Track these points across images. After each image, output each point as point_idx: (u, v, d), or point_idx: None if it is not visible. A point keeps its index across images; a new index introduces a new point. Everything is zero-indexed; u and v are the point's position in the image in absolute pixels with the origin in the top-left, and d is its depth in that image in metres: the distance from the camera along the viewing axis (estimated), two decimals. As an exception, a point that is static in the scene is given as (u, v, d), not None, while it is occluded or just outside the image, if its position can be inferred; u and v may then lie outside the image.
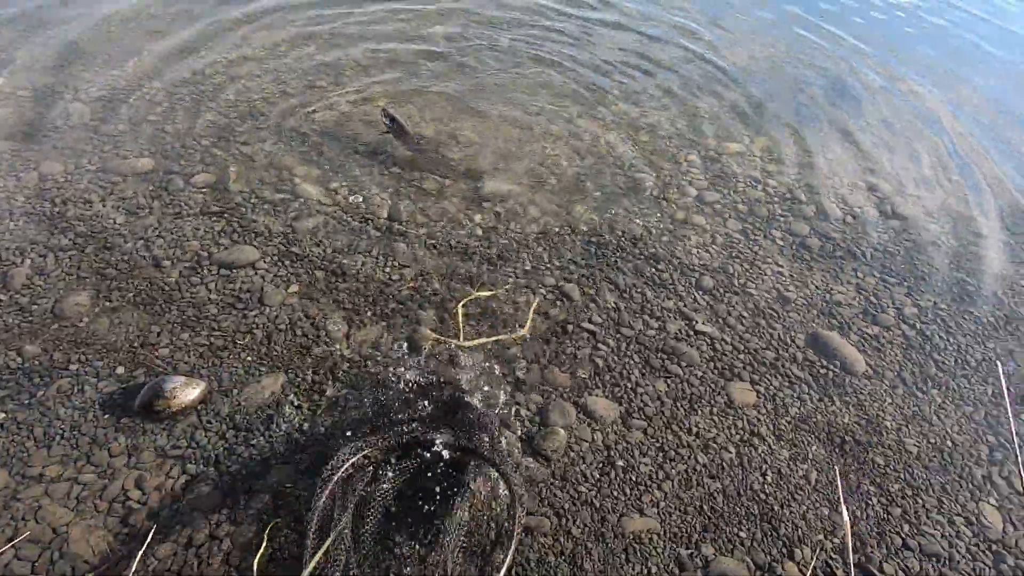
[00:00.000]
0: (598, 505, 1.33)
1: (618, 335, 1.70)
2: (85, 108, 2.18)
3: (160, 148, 2.06)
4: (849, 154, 2.67)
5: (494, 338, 1.60)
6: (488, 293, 1.71)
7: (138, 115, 2.19)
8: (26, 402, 1.32)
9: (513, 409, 1.48)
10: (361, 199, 2.01)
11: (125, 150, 2.02)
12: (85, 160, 1.96)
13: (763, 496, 1.40)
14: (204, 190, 1.93)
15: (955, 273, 2.13)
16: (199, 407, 1.36)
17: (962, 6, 4.55)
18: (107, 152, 2.00)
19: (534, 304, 1.70)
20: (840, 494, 1.39)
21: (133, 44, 2.58)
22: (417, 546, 1.17)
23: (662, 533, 1.30)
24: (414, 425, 1.29)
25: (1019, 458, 1.29)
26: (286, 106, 2.37)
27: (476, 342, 1.59)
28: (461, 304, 1.67)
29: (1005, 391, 1.64)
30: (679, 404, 1.56)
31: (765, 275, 1.98)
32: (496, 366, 1.57)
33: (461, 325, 1.62)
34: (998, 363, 1.77)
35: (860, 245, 2.18)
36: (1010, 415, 1.32)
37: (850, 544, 1.29)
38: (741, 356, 1.70)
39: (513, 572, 1.18)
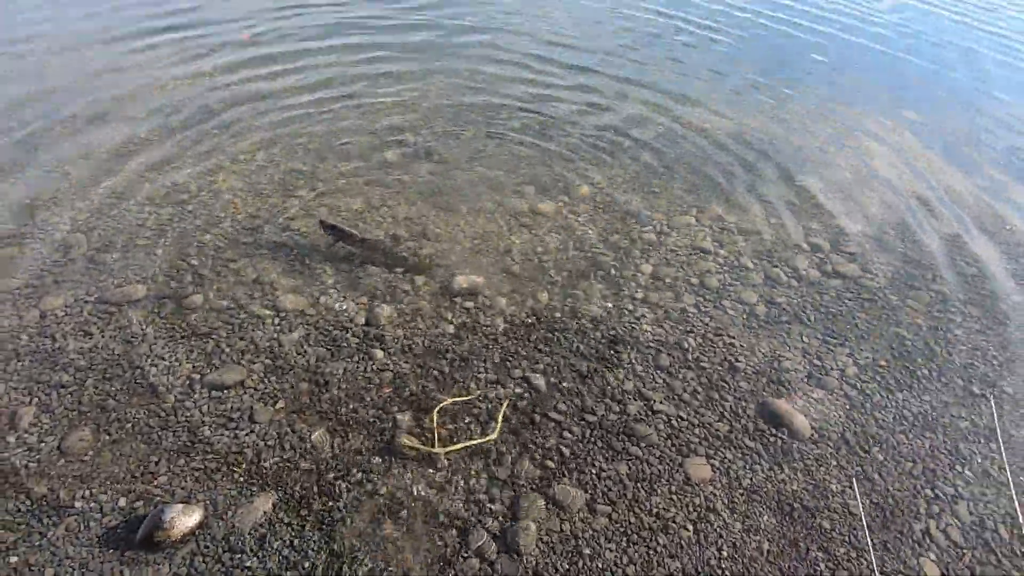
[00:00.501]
0: (569, 595, 1.45)
1: (582, 422, 1.85)
2: (82, 237, 2.36)
3: (151, 273, 2.23)
4: (792, 216, 2.89)
5: (467, 443, 1.74)
6: (464, 398, 1.86)
7: (129, 241, 2.37)
8: (37, 544, 1.44)
9: (488, 507, 1.61)
10: (339, 307, 2.17)
11: (119, 278, 2.19)
12: (83, 291, 2.12)
13: (720, 571, 1.52)
14: (194, 311, 2.09)
15: (892, 329, 2.31)
16: (197, 532, 1.48)
17: (910, 48, 4.92)
18: (103, 282, 2.17)
19: (503, 408, 1.84)
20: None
21: (117, 165, 2.78)
22: None
23: (628, 618, 1.42)
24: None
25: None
26: (266, 216, 2.56)
27: (450, 449, 1.72)
28: (436, 411, 1.81)
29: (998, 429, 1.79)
30: (640, 486, 1.69)
31: (717, 347, 2.15)
32: (471, 465, 1.70)
33: (436, 430, 1.76)
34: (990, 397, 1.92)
35: (804, 309, 2.37)
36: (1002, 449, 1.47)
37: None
38: (696, 431, 1.85)
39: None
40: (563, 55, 4.36)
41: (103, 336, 1.97)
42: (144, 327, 2.01)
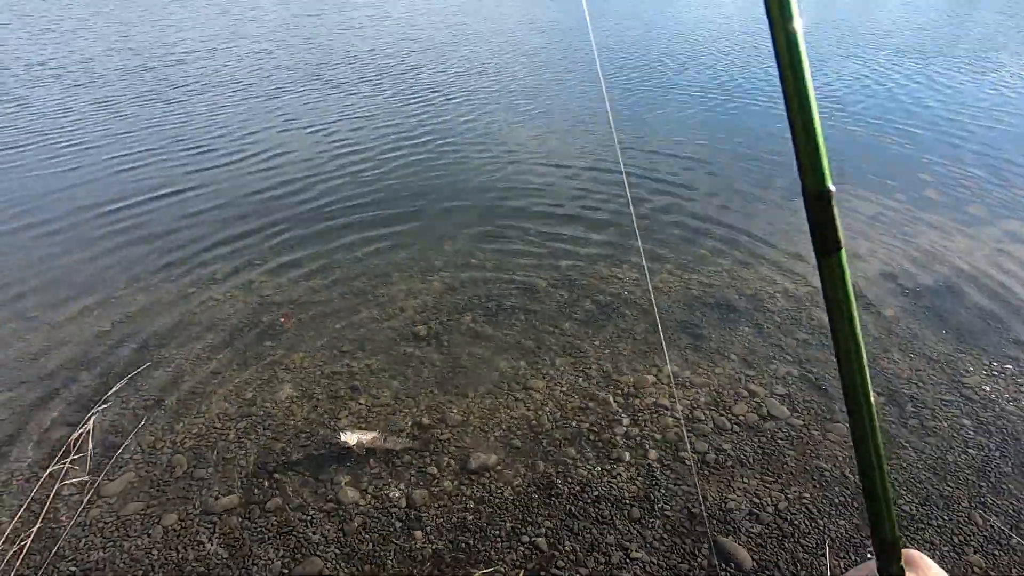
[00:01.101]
0: None
1: (575, 573, 2.44)
2: (183, 458, 3.07)
3: (239, 483, 2.91)
4: (734, 365, 3.62)
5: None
6: (489, 571, 2.47)
7: (218, 457, 3.07)
8: None
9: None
10: (385, 495, 2.83)
11: (216, 491, 2.87)
12: (191, 506, 2.80)
13: None
14: (275, 513, 2.75)
15: (815, 462, 2.95)
16: None
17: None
18: (204, 496, 2.85)
19: None
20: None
21: (196, 386, 3.55)
22: None
23: None
24: None
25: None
26: (317, 419, 3.29)
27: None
28: (468, 578, 2.42)
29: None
30: (625, 625, 2.26)
31: (677, 496, 2.78)
32: (497, 621, 2.28)
33: (469, 595, 2.35)
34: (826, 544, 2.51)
35: (745, 452, 3.02)
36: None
37: None
38: (664, 573, 2.44)
39: None
40: (532, 221, 5.34)
41: (212, 544, 2.61)
42: (241, 532, 2.66)
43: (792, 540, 2.54)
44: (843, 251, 0.50)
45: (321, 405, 3.40)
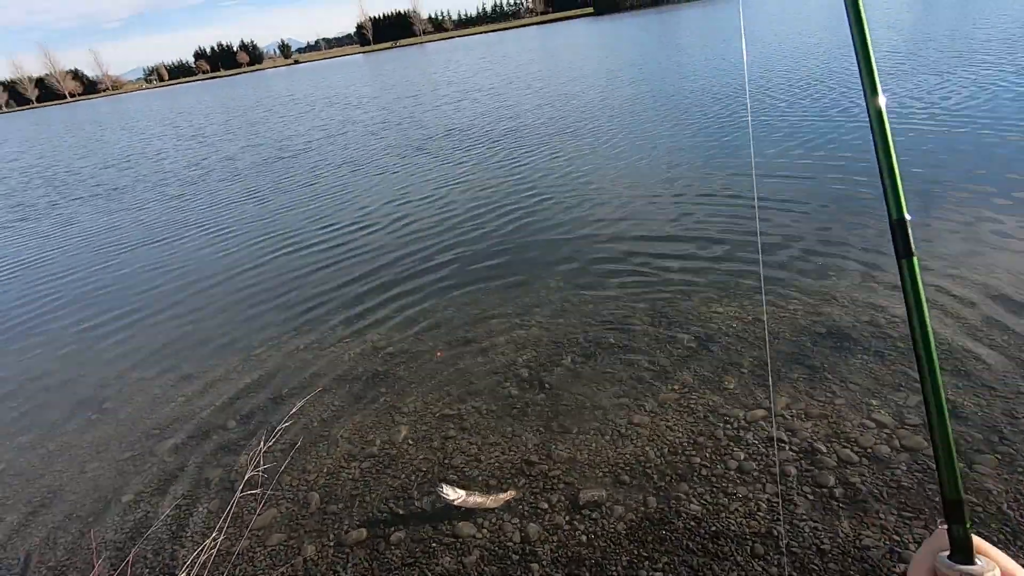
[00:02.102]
0: None
1: (701, 612, 2.36)
2: (316, 495, 3.36)
3: (367, 518, 3.13)
4: (854, 395, 3.40)
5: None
6: (602, 597, 2.46)
7: (345, 493, 3.33)
8: None
9: None
10: (499, 528, 2.92)
11: (346, 525, 3.11)
12: (326, 539, 3.04)
13: None
14: (398, 546, 2.92)
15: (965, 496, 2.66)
16: None
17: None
18: (337, 529, 3.09)
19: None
20: None
21: (322, 430, 3.88)
22: None
23: None
24: None
25: None
26: (433, 459, 3.47)
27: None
28: (585, 609, 2.42)
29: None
30: (758, 666, 2.14)
31: (803, 532, 2.62)
32: (620, 656, 2.25)
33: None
34: None
35: (878, 486, 2.80)
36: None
37: None
38: (798, 613, 2.29)
39: None
40: (621, 262, 5.40)
41: (347, 572, 2.81)
42: (370, 563, 2.85)
43: (944, 581, 2.30)
44: (916, 258, 0.65)
45: (435, 445, 3.60)
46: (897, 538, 2.52)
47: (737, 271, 5.10)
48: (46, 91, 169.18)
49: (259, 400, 4.36)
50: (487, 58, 43.17)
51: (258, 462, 3.58)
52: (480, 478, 3.25)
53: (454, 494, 3.00)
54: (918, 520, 2.58)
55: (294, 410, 4.14)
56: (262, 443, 3.78)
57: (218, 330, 5.63)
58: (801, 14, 31.44)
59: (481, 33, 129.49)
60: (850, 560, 2.46)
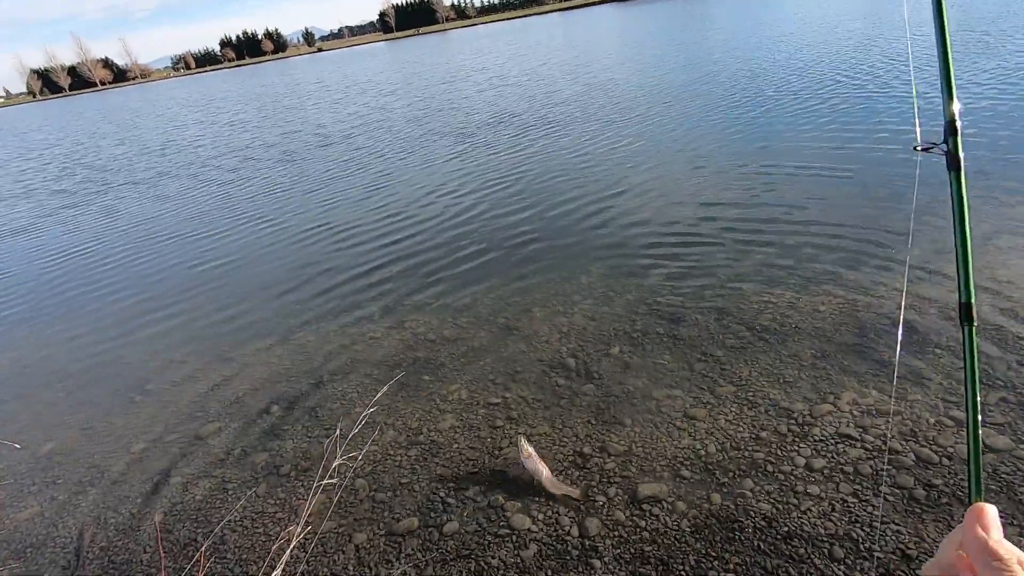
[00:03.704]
0: None
1: (779, 617, 2.23)
2: (364, 482, 3.30)
3: (416, 507, 3.05)
4: (923, 390, 3.21)
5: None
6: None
7: (395, 481, 3.26)
8: None
9: None
10: (556, 520, 2.82)
11: (397, 513, 3.04)
12: (376, 527, 2.98)
13: None
14: (452, 537, 2.84)
15: (1060, 501, 2.48)
16: None
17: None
18: (387, 518, 3.02)
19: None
20: None
21: (364, 416, 3.82)
22: None
23: None
24: None
25: None
26: (481, 448, 3.38)
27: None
28: (655, 609, 2.30)
29: None
30: (846, 677, 2.01)
31: (886, 535, 2.47)
32: (694, 661, 2.13)
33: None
34: None
35: (963, 487, 2.63)
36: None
37: None
38: (886, 622, 2.15)
39: None
40: (665, 248, 5.22)
41: (400, 563, 2.74)
42: (424, 553, 2.78)
43: (1048, 593, 2.12)
44: (974, 327, 0.75)
45: (482, 435, 3.51)
46: (990, 545, 2.34)
47: (790, 259, 4.88)
48: (77, 79, 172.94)
49: (299, 385, 4.32)
50: (516, 44, 42.71)
51: (304, 448, 3.54)
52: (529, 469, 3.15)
53: (528, 448, 3.00)
54: (1012, 525, 2.40)
55: (334, 396, 4.10)
56: (302, 427, 3.73)
57: (258, 315, 5.61)
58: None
59: (504, 20, 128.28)
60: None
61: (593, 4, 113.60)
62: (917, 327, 3.75)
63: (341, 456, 3.44)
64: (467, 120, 14.42)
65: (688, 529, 2.66)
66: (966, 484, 2.32)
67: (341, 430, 3.71)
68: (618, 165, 8.54)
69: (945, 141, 0.75)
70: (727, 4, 45.49)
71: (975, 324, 0.77)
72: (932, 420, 3.02)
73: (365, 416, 3.79)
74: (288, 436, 3.79)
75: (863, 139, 7.80)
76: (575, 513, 2.84)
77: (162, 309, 6.14)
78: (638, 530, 2.69)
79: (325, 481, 3.25)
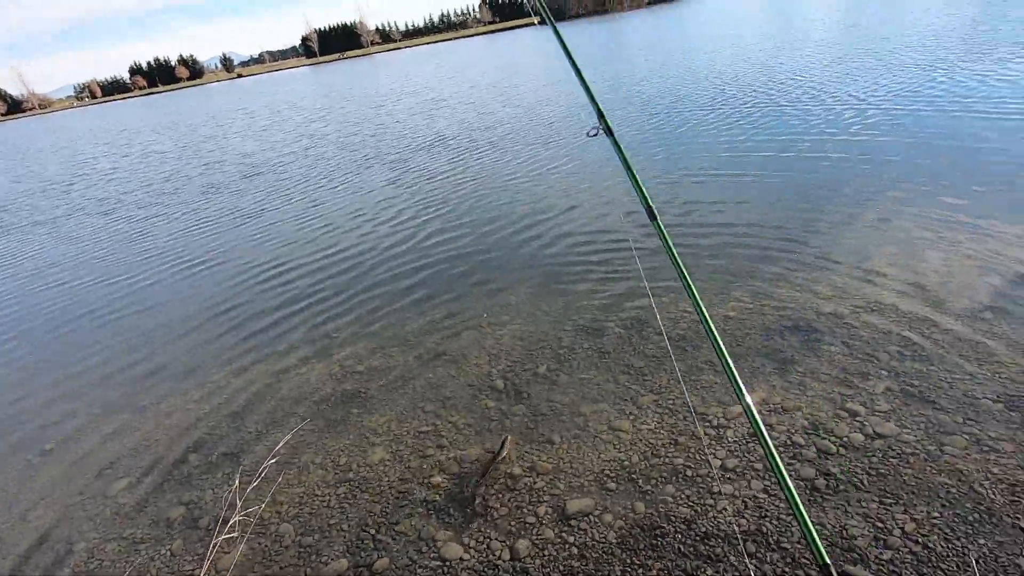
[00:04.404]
0: None
1: (699, 617, 2.33)
2: (289, 527, 3.17)
3: (346, 548, 2.97)
4: (825, 386, 3.47)
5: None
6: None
7: (323, 523, 3.16)
8: None
9: None
10: (486, 547, 2.82)
11: (324, 557, 2.94)
12: (304, 571, 2.87)
13: None
14: (383, 574, 2.78)
15: (937, 478, 2.75)
16: None
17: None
18: (315, 563, 2.92)
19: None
20: None
21: (292, 459, 3.70)
22: None
23: None
24: None
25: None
26: (411, 478, 3.35)
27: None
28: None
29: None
30: (760, 668, 2.12)
31: (792, 528, 2.64)
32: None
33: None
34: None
35: (857, 474, 2.85)
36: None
37: None
38: (794, 609, 2.29)
39: None
40: (590, 265, 5.40)
41: (327, 608, 2.66)
42: (353, 595, 2.70)
43: (930, 564, 2.35)
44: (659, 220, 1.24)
45: (412, 465, 3.47)
46: (880, 524, 2.56)
47: (705, 269, 5.17)
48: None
49: (220, 430, 4.12)
50: (444, 67, 43.08)
51: (223, 496, 3.37)
52: (461, 497, 3.15)
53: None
54: (898, 505, 2.63)
55: (258, 438, 3.94)
56: (237, 480, 3.56)
57: (173, 359, 5.32)
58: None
59: (430, 43, 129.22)
60: (838, 551, 2.48)
61: (515, 28, 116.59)
62: (815, 326, 4.05)
63: (266, 503, 3.31)
64: (398, 145, 14.37)
65: (614, 540, 2.73)
66: (861, 470, 2.52)
67: (265, 474, 3.56)
68: (544, 185, 8.76)
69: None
70: (638, 23, 47.94)
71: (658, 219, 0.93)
72: (831, 412, 3.27)
73: (288, 458, 3.66)
74: (207, 486, 3.59)
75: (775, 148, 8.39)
76: (506, 537, 2.85)
77: (69, 359, 5.69)
78: (567, 546, 2.74)
79: (248, 532, 3.12)
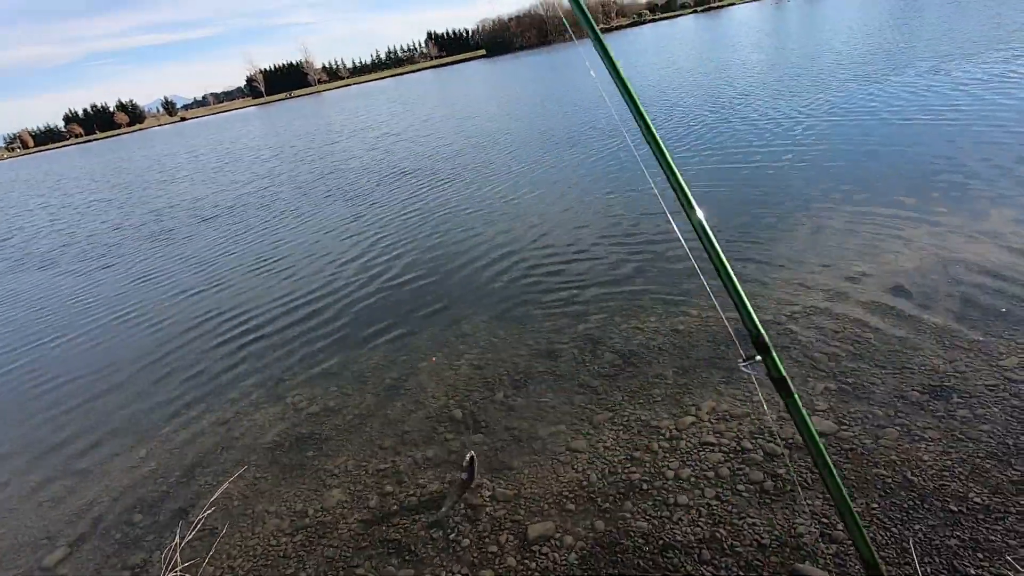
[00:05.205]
0: None
1: (660, 630, 2.36)
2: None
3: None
4: (767, 390, 3.61)
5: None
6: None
7: (276, 574, 3.06)
8: None
9: None
10: (450, 582, 2.78)
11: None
12: (259, 629, 2.75)
13: None
14: (344, 620, 2.70)
15: (873, 471, 2.88)
16: None
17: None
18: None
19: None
20: None
21: (246, 508, 3.57)
22: None
23: None
24: None
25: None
26: (369, 518, 3.28)
27: None
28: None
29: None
30: (720, 674, 2.15)
31: (743, 531, 2.72)
32: None
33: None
34: None
35: (802, 473, 2.97)
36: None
37: None
38: (750, 612, 2.35)
39: None
40: (542, 291, 5.50)
41: (286, 664, 2.55)
42: (313, 646, 2.61)
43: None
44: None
45: (372, 504, 3.41)
46: (826, 520, 2.66)
47: (649, 288, 5.33)
48: None
49: (169, 487, 3.95)
50: (396, 102, 43.38)
51: (175, 561, 3.22)
52: (422, 532, 3.11)
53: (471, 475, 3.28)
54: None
55: (208, 493, 3.79)
56: (177, 537, 3.41)
57: (116, 416, 5.08)
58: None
59: (378, 79, 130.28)
60: (788, 550, 2.57)
61: (461, 61, 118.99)
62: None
63: (216, 557, 3.18)
64: (354, 181, 14.33)
65: (575, 561, 2.75)
66: (805, 471, 2.63)
67: (214, 528, 3.43)
68: (496, 214, 8.89)
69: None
70: (569, 57, 49.68)
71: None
72: (774, 416, 3.40)
73: (241, 509, 3.54)
74: (154, 546, 3.43)
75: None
76: (468, 569, 2.83)
77: (1, 428, 5.35)
78: (530, 573, 2.74)
79: (199, 590, 2.98)
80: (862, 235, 5.47)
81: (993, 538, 2.41)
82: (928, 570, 2.34)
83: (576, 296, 5.45)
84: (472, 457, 3.32)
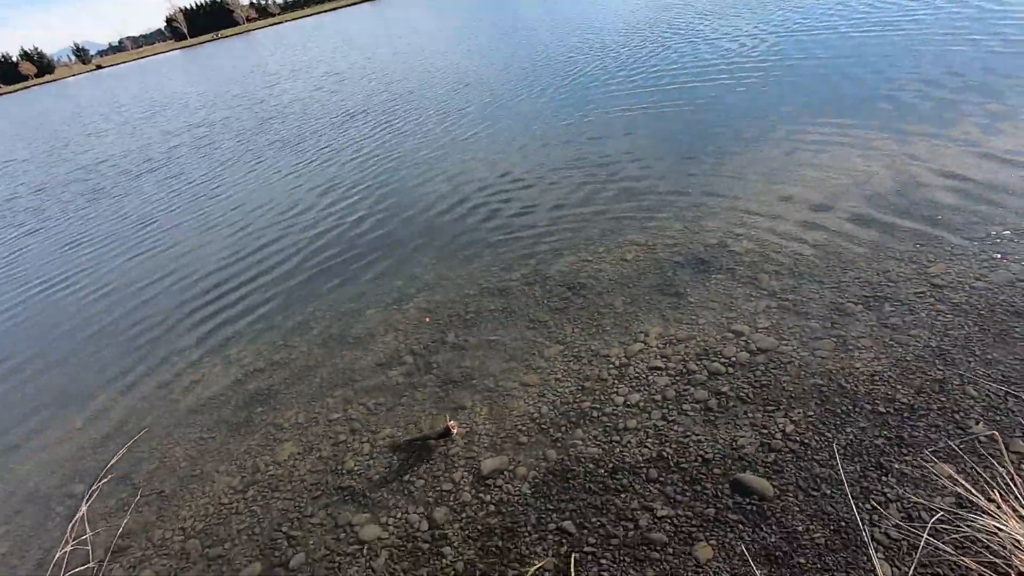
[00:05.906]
0: None
1: (610, 546, 2.43)
2: (196, 542, 2.99)
3: (259, 551, 2.85)
4: (715, 312, 3.66)
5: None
6: (535, 567, 2.45)
7: (233, 530, 3.01)
8: None
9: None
10: (406, 521, 2.80)
11: (238, 563, 2.81)
12: (215, 585, 2.72)
13: (741, 626, 2.05)
14: (301, 569, 2.70)
15: (811, 381, 2.99)
16: None
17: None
18: (225, 572, 2.78)
19: (572, 564, 2.43)
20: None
21: (191, 468, 3.48)
22: None
23: None
24: None
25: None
26: (323, 467, 3.25)
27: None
28: (502, 577, 2.39)
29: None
30: (666, 582, 2.25)
31: (688, 448, 2.80)
32: (541, 612, 2.26)
33: (508, 594, 2.33)
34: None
35: (743, 389, 3.06)
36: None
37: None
38: (693, 522, 2.44)
39: None
40: (492, 230, 5.38)
41: (243, 615, 2.55)
42: (270, 596, 2.60)
43: (805, 458, 2.57)
44: None
45: (325, 454, 3.36)
46: (765, 431, 2.76)
47: (598, 218, 5.27)
48: None
49: (110, 455, 3.79)
50: (334, 39, 40.62)
51: (121, 526, 3.13)
52: (376, 477, 3.09)
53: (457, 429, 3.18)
54: (779, 411, 2.84)
55: (152, 455, 3.67)
56: (122, 504, 3.30)
57: (50, 387, 4.81)
58: None
59: (312, 15, 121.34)
60: (730, 462, 2.66)
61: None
62: (703, 258, 4.25)
63: (168, 521, 3.10)
64: (298, 128, 13.49)
65: (529, 491, 2.79)
66: (747, 385, 2.69)
67: (165, 491, 3.34)
68: (430, 155, 8.56)
69: None
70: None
71: None
72: (719, 336, 3.46)
73: (189, 470, 3.45)
74: (99, 516, 3.31)
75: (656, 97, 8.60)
76: (423, 508, 2.84)
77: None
78: (484, 505, 2.77)
79: (153, 556, 2.92)
80: (803, 154, 5.49)
81: (916, 434, 2.55)
82: (851, 468, 2.46)
83: (525, 232, 5.35)
84: (448, 428, 3.20)
